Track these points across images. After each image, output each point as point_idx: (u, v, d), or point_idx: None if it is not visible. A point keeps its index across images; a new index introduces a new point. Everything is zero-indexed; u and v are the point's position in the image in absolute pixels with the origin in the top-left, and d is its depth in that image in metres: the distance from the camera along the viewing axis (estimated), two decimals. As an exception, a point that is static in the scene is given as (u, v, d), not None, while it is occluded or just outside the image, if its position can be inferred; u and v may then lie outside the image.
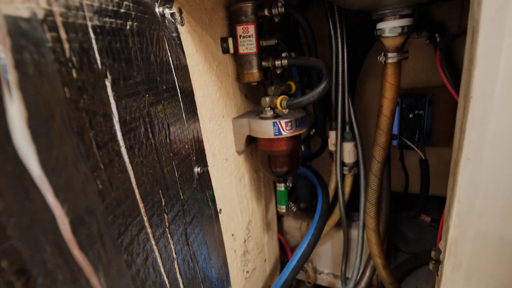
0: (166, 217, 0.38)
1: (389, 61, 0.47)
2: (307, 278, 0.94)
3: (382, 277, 0.63)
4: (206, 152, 0.50)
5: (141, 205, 0.33)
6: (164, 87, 0.37)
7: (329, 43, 0.63)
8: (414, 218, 0.76)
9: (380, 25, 0.45)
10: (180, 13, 0.44)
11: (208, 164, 0.51)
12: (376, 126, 0.54)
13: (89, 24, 0.26)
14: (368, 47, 0.70)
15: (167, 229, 0.38)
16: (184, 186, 0.42)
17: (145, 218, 0.33)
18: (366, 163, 0.66)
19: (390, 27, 0.44)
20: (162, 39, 0.37)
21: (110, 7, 0.28)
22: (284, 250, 0.92)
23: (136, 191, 0.32)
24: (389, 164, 0.72)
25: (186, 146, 0.43)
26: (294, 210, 0.64)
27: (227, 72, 0.57)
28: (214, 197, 0.52)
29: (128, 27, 0.31)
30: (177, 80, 0.40)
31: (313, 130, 0.82)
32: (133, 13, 0.32)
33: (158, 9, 0.36)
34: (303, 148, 0.86)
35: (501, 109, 0.26)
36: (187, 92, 0.43)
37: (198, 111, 0.48)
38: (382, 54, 0.48)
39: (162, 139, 0.37)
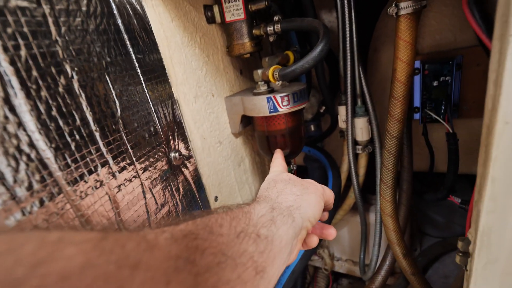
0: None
1: (402, 12, 0.38)
2: (324, 265, 0.89)
3: (402, 266, 0.56)
4: (193, 135, 0.45)
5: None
6: (113, 59, 0.32)
7: (334, 6, 0.54)
8: (441, 200, 0.67)
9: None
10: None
11: (197, 148, 0.46)
12: (389, 95, 0.45)
13: None
14: (380, 7, 0.60)
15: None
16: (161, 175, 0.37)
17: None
18: (382, 140, 0.58)
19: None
20: (109, 5, 0.31)
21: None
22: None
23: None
24: (411, 140, 0.63)
25: (152, 129, 0.37)
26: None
27: (215, 45, 0.51)
28: (203, 184, 0.47)
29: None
30: (133, 52, 0.34)
31: (323, 108, 0.74)
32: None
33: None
34: (313, 128, 0.79)
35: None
36: (154, 68, 0.38)
37: (179, 89, 0.43)
38: (393, 5, 0.39)
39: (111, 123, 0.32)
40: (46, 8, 0.24)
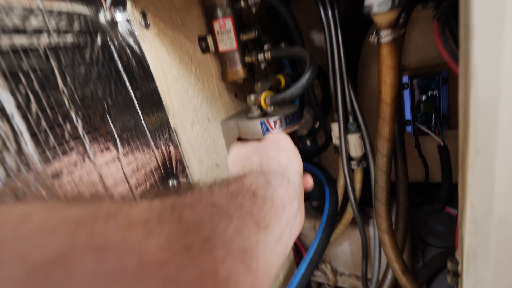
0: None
1: (383, 40, 0.41)
2: (327, 280, 0.89)
3: (401, 283, 0.56)
4: (191, 160, 0.47)
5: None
6: (114, 100, 0.34)
7: (322, 28, 0.57)
8: (439, 212, 0.68)
9: (368, 1, 0.39)
10: (144, 15, 0.40)
11: (194, 173, 0.48)
12: (377, 114, 0.47)
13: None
14: (365, 28, 0.63)
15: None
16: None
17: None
18: (375, 155, 0.60)
19: (378, 2, 0.38)
20: (108, 48, 0.34)
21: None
22: (300, 252, 0.87)
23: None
24: (404, 153, 0.65)
25: (152, 159, 0.39)
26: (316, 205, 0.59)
27: (210, 72, 0.53)
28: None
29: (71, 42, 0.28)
30: (132, 91, 0.36)
31: (318, 123, 0.76)
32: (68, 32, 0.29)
33: (103, 16, 0.33)
34: (308, 143, 0.81)
35: (515, 85, 0.20)
36: (151, 105, 0.40)
37: (177, 119, 0.45)
38: (374, 34, 0.41)
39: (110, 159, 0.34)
40: (53, 63, 0.26)
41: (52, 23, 0.26)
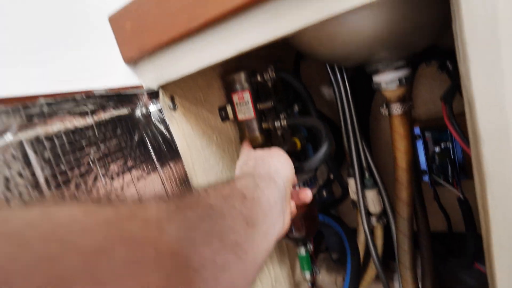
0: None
1: (394, 113, 0.43)
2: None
3: None
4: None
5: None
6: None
7: (332, 87, 0.61)
8: (468, 269, 0.65)
9: (376, 78, 0.42)
10: (172, 100, 0.45)
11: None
12: (395, 179, 0.48)
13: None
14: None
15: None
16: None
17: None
18: (394, 211, 0.60)
19: (386, 81, 0.41)
20: (143, 140, 0.37)
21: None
22: (322, 308, 0.84)
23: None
24: (423, 203, 0.64)
25: None
26: (319, 273, 0.58)
27: (230, 138, 0.57)
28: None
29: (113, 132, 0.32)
30: (163, 174, 0.39)
31: (331, 174, 0.77)
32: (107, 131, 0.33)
33: (140, 111, 0.37)
34: (325, 194, 0.81)
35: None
36: (179, 183, 0.43)
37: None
38: (385, 106, 0.44)
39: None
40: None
41: (101, 131, 0.30)
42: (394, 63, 0.39)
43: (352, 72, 0.62)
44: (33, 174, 0.24)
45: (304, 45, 0.43)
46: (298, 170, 0.46)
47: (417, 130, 0.68)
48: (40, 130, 0.25)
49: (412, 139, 0.45)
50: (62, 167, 0.26)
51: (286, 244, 0.70)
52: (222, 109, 0.55)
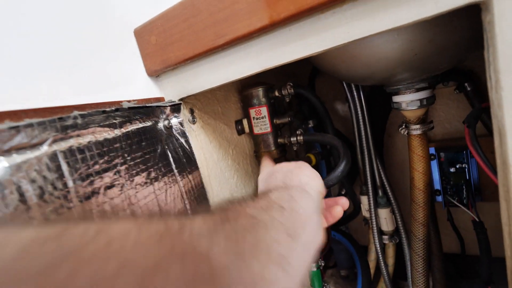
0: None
1: (413, 133, 0.43)
2: None
3: None
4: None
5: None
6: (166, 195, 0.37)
7: (347, 104, 0.61)
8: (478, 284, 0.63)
9: (396, 99, 0.43)
10: (192, 112, 0.46)
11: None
12: (411, 199, 0.48)
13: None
14: (389, 104, 0.66)
15: None
16: None
17: None
18: (407, 230, 0.59)
19: (407, 101, 0.41)
20: (165, 153, 0.38)
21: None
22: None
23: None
24: (437, 224, 0.63)
25: None
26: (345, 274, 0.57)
27: (244, 152, 0.57)
28: None
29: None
30: (183, 186, 0.40)
31: (344, 190, 0.77)
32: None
33: (162, 124, 0.38)
34: (335, 209, 0.81)
35: None
36: (196, 195, 0.43)
37: (215, 202, 0.47)
38: (404, 126, 0.44)
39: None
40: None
41: (128, 143, 0.31)
42: (416, 84, 0.39)
43: (368, 90, 0.63)
44: (65, 185, 0.24)
45: (324, 63, 0.44)
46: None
47: (431, 150, 0.67)
48: (73, 141, 0.26)
49: (429, 160, 0.45)
50: (91, 178, 0.27)
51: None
52: (239, 123, 0.56)
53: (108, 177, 0.28)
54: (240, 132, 0.56)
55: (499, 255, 0.65)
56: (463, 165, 0.65)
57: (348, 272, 0.79)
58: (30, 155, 0.23)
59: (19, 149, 0.22)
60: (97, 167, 0.28)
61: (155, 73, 0.44)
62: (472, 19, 0.25)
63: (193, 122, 0.45)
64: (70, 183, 0.25)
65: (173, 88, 0.44)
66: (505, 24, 0.20)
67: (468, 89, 0.58)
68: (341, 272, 0.80)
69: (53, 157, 0.24)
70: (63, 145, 0.25)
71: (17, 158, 0.22)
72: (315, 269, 0.57)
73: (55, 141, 0.25)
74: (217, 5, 0.35)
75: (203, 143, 0.47)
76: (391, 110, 0.67)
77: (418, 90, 0.40)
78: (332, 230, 0.74)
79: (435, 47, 0.34)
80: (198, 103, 0.47)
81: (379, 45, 0.34)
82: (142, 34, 0.43)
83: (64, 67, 0.32)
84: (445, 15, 0.23)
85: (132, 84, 0.42)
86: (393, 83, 0.41)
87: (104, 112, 0.30)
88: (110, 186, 0.28)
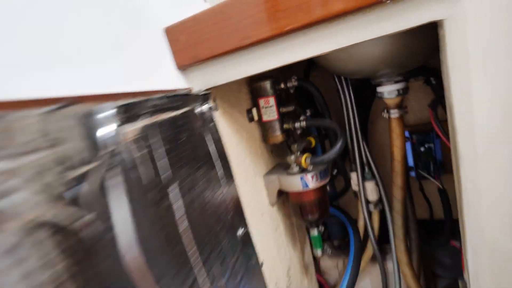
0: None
1: (392, 116, 0.55)
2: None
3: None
4: (245, 211, 0.58)
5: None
6: (205, 169, 0.46)
7: (338, 95, 0.73)
8: (445, 245, 0.78)
9: (379, 89, 0.54)
10: (215, 101, 0.55)
11: (248, 222, 0.58)
12: (391, 169, 0.60)
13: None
14: (373, 95, 0.79)
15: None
16: (232, 250, 0.49)
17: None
18: (388, 198, 0.72)
19: (387, 91, 0.53)
20: (202, 135, 0.47)
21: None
22: (323, 290, 0.94)
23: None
24: (411, 195, 0.77)
25: (228, 210, 0.50)
26: (330, 252, 0.69)
27: (255, 136, 0.67)
28: (256, 253, 0.58)
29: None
30: (215, 162, 0.49)
31: (335, 170, 0.89)
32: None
33: (198, 110, 0.47)
34: (328, 188, 0.93)
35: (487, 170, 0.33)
36: (225, 167, 0.52)
37: (236, 178, 0.57)
38: (385, 111, 0.56)
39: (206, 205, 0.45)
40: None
41: (170, 130, 0.40)
42: (394, 78, 0.51)
43: (355, 83, 0.75)
44: (154, 162, 0.33)
45: (323, 60, 0.55)
46: (318, 162, 0.57)
47: (406, 133, 0.81)
48: (149, 121, 0.35)
49: (404, 138, 0.57)
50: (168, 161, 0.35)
51: (297, 231, 0.80)
52: (249, 111, 0.65)
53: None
54: (251, 119, 0.65)
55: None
56: (430, 145, 0.79)
57: (340, 242, 0.92)
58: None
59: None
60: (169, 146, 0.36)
61: (184, 67, 0.52)
62: (434, 31, 0.36)
63: (216, 110, 0.54)
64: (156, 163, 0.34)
65: (200, 80, 0.52)
66: (452, 36, 0.32)
67: (433, 82, 0.72)
68: (334, 242, 0.92)
69: (143, 135, 0.33)
70: (148, 122, 0.34)
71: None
72: (316, 234, 0.68)
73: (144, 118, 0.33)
74: (245, 13, 0.44)
75: (224, 129, 0.56)
76: (373, 101, 0.79)
77: (395, 82, 0.52)
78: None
79: (408, 50, 0.46)
80: (218, 92, 0.56)
81: (368, 48, 0.45)
82: (173, 33, 0.51)
83: (114, 59, 0.40)
84: (415, 28, 0.34)
85: (164, 76, 0.50)
86: (377, 77, 0.52)
87: (160, 98, 0.39)
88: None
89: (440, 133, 0.49)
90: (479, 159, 0.34)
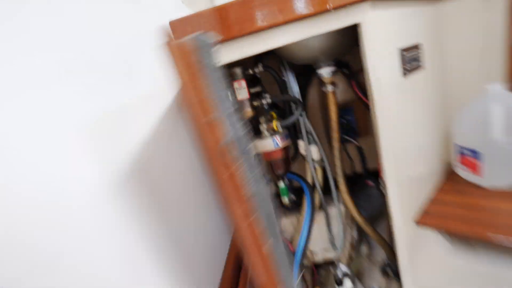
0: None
1: (329, 90, 0.81)
2: (307, 262, 1.18)
3: (365, 229, 0.93)
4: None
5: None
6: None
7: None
8: (362, 185, 1.10)
9: (319, 71, 0.79)
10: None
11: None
12: (330, 128, 0.86)
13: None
14: (310, 76, 1.06)
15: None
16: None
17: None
18: (333, 151, 0.98)
19: (325, 72, 0.78)
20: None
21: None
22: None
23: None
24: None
25: None
26: (294, 199, 0.90)
27: (230, 113, 0.83)
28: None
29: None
30: None
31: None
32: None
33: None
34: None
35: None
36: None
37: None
38: (325, 87, 0.81)
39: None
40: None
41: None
42: (328, 63, 0.77)
43: (298, 67, 0.99)
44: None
45: (284, 49, 0.76)
46: (285, 124, 0.77)
47: (331, 111, 1.10)
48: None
49: (338, 106, 0.84)
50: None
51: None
52: (225, 93, 0.81)
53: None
54: (227, 99, 0.81)
55: (372, 167, 1.14)
56: (349, 118, 1.10)
57: (295, 199, 1.14)
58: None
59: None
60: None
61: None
62: (355, 30, 0.62)
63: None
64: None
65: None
66: (368, 36, 0.57)
67: (346, 72, 1.03)
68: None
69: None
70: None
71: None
72: (283, 186, 0.88)
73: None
74: (265, 7, 0.60)
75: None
76: (311, 80, 1.06)
77: (329, 65, 0.77)
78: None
79: (337, 43, 0.71)
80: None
81: (312, 41, 0.68)
82: (178, 25, 0.63)
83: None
84: (343, 28, 0.58)
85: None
86: (318, 61, 0.77)
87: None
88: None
89: (360, 95, 0.76)
90: (384, 107, 0.60)
